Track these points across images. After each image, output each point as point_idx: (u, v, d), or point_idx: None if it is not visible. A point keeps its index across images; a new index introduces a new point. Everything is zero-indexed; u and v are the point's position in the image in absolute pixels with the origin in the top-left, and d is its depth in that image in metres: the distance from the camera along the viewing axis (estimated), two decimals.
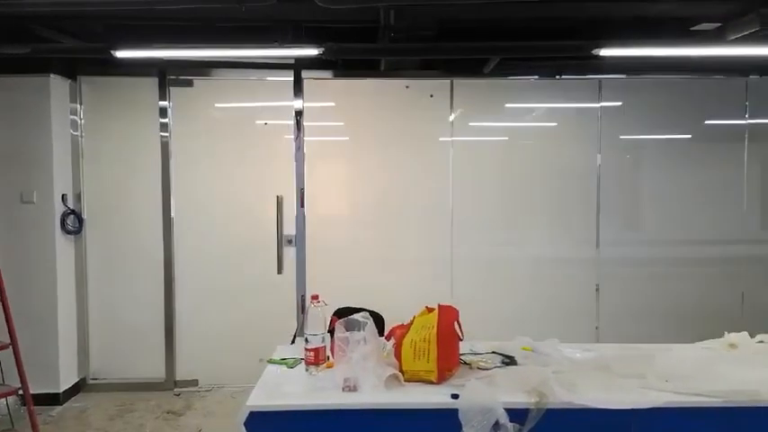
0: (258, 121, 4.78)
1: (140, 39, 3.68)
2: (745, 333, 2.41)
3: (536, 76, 4.75)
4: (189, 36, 3.82)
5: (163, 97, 4.67)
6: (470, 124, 4.81)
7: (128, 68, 4.46)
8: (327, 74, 4.70)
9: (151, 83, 4.66)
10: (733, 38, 3.30)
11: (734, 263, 4.86)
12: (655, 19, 3.65)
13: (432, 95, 4.73)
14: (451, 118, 4.73)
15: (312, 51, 3.36)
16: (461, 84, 4.71)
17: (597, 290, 4.82)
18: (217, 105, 4.79)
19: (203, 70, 4.70)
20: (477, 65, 4.51)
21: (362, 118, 4.80)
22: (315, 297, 2.19)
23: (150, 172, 4.69)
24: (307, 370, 2.15)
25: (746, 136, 4.83)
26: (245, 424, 1.84)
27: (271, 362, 2.31)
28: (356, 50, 3.84)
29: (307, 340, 2.15)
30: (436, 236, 4.76)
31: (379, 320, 2.91)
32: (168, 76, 4.66)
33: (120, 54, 3.56)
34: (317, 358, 2.14)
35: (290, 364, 2.28)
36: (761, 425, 1.84)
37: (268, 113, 4.78)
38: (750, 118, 4.80)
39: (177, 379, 4.71)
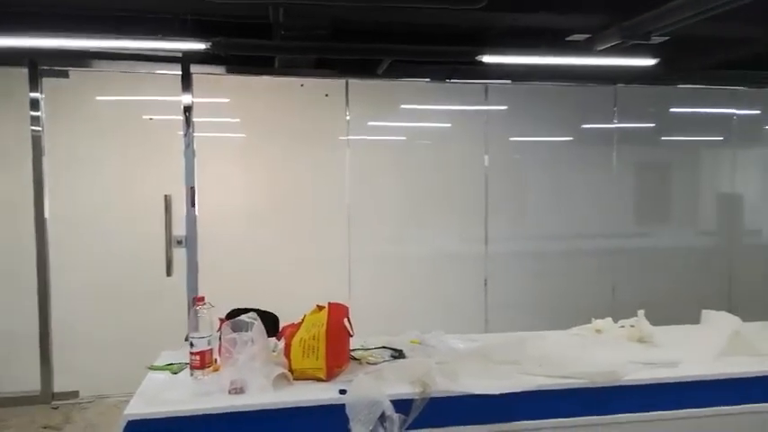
0: (144, 117, 4.54)
1: (7, 25, 3.37)
2: (609, 319, 2.64)
3: (428, 79, 4.91)
4: (64, 24, 3.55)
5: (34, 88, 4.30)
6: (369, 124, 4.88)
7: None
8: (220, 69, 4.56)
9: (22, 73, 4.28)
10: (600, 48, 3.60)
11: (606, 256, 5.31)
12: (533, 29, 3.91)
13: (327, 95, 4.74)
14: (348, 117, 4.77)
15: (199, 45, 3.26)
16: (356, 84, 4.77)
17: (485, 284, 5.07)
18: (98, 98, 4.49)
19: (81, 61, 4.38)
20: (370, 66, 4.58)
21: (258, 115, 4.71)
22: (200, 299, 2.13)
23: (21, 169, 4.31)
24: (192, 375, 2.08)
25: (615, 139, 5.30)
26: None
27: (153, 368, 2.22)
28: (245, 46, 3.76)
29: (191, 344, 2.08)
30: (333, 235, 4.78)
31: (273, 321, 2.88)
32: (40, 66, 4.30)
33: None
34: (202, 362, 2.07)
35: (174, 369, 2.20)
36: (620, 401, 2.03)
37: (156, 108, 4.56)
38: (618, 123, 5.27)
39: (55, 391, 4.37)
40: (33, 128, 4.32)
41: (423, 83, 4.93)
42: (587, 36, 3.80)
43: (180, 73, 4.43)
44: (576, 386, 2.00)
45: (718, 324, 2.39)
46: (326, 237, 4.78)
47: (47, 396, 4.33)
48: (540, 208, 5.23)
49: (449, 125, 5.09)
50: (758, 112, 5.61)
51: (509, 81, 5.03)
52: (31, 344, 4.34)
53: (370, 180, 4.85)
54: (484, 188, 5.05)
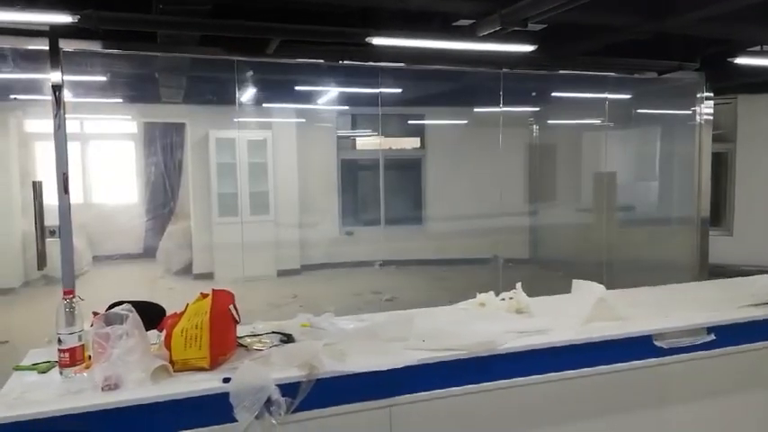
0: (10, 96, 4.14)
1: None
2: (492, 292, 2.78)
3: (321, 60, 4.85)
4: None
5: None
6: (264, 105, 4.77)
7: None
8: (94, 45, 4.22)
9: None
10: (482, 34, 3.73)
11: (494, 232, 5.58)
12: (421, 13, 3.97)
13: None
14: (240, 98, 4.62)
15: (66, 18, 2.99)
16: (246, 63, 4.61)
17: (381, 265, 5.16)
18: None
19: None
20: (260, 45, 4.45)
21: (143, 93, 4.44)
22: (68, 292, 1.99)
23: None
24: (61, 373, 1.94)
25: (501, 122, 5.55)
26: None
27: (18, 369, 2.05)
28: (118, 20, 3.50)
29: (59, 341, 1.94)
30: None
31: (159, 313, 2.75)
32: None
33: None
34: (72, 359, 1.94)
35: (41, 369, 2.04)
36: (497, 369, 2.15)
37: (22, 87, 4.16)
38: (504, 106, 5.52)
39: None
40: None
41: (315, 64, 4.86)
42: (471, 21, 3.91)
43: (47, 48, 4.05)
44: (456, 357, 2.09)
45: (586, 292, 2.58)
46: (218, 223, 4.63)
47: None
48: (437, 189, 5.39)
49: (347, 107, 5.09)
50: (628, 96, 6.09)
51: (402, 64, 5.09)
52: None
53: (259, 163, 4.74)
54: (381, 171, 5.11)
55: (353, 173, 7.34)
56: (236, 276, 5.22)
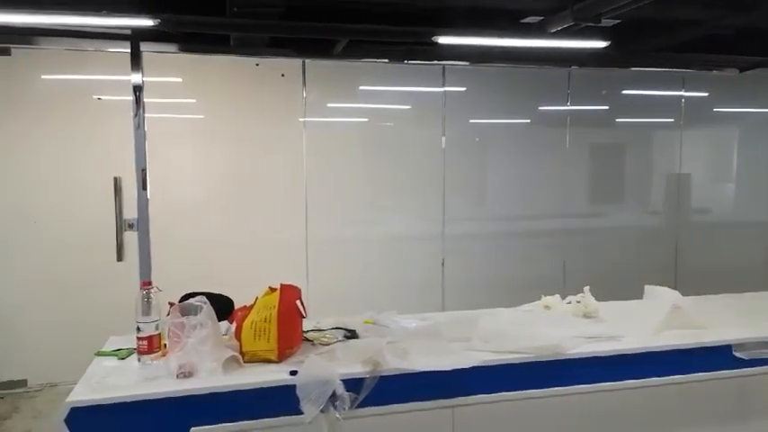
0: (94, 96, 4.39)
1: None
2: (558, 295, 2.71)
3: (386, 60, 4.88)
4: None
5: None
6: (328, 105, 4.84)
7: None
8: (171, 47, 4.41)
9: None
10: (552, 31, 3.64)
11: (559, 234, 5.43)
12: (489, 11, 3.92)
13: (283, 75, 4.66)
14: (305, 98, 4.71)
15: (146, 22, 3.14)
16: (314, 64, 4.70)
17: (443, 264, 5.13)
18: (43, 77, 4.31)
19: (24, 38, 4.18)
20: (327, 45, 4.52)
21: (214, 95, 4.61)
22: (147, 283, 2.10)
23: None
24: (139, 360, 2.05)
25: (568, 121, 5.40)
26: (66, 421, 1.72)
27: (100, 354, 2.18)
28: (195, 23, 3.64)
29: (138, 329, 2.05)
30: (291, 217, 4.74)
31: (227, 304, 2.85)
32: None
33: None
34: (150, 347, 2.05)
35: (121, 355, 2.16)
36: (563, 374, 2.10)
37: (104, 88, 4.41)
38: (571, 105, 5.37)
39: (1, 380, 4.24)
40: None
41: (379, 64, 4.90)
42: (541, 18, 3.83)
43: (129, 51, 4.28)
44: (521, 360, 2.06)
45: (660, 299, 2.48)
46: (283, 219, 4.74)
47: None
48: (496, 189, 5.31)
49: (408, 107, 5.09)
50: (706, 94, 5.79)
51: (467, 63, 5.05)
52: None
53: (328, 162, 4.82)
54: (442, 170, 5.08)
55: None
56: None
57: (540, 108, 5.40)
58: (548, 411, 2.08)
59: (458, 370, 1.97)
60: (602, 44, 3.82)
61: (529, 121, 5.39)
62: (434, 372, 1.95)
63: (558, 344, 2.08)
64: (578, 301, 2.57)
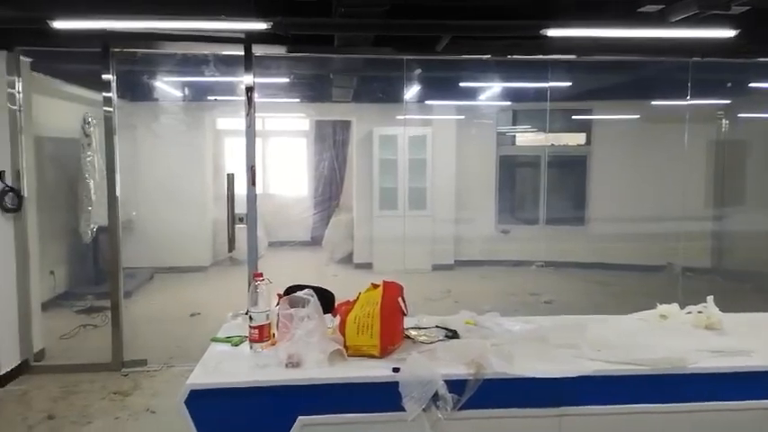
0: (208, 97, 4.67)
1: (80, 8, 3.52)
2: (676, 304, 2.52)
3: (488, 56, 4.79)
4: (133, 6, 3.67)
5: (106, 70, 4.49)
6: (426, 102, 4.84)
7: (68, 40, 4.27)
8: (280, 49, 4.61)
9: (94, 55, 4.47)
10: (674, 20, 3.39)
11: (675, 239, 5.07)
12: (600, 1, 3.72)
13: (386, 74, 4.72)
14: (406, 96, 4.74)
15: (261, 25, 3.29)
16: (414, 61, 4.71)
17: (543, 266, 4.96)
18: (164, 79, 4.65)
19: (149, 43, 4.53)
20: (429, 43, 4.51)
21: (317, 94, 4.75)
22: (258, 275, 2.18)
23: (93, 147, 4.53)
24: (251, 348, 2.15)
25: (687, 117, 5.01)
26: (186, 402, 1.83)
27: (215, 340, 2.30)
28: (305, 25, 3.77)
29: (251, 318, 2.14)
30: (390, 217, 4.78)
31: (329, 298, 2.92)
32: (111, 48, 4.48)
33: (59, 25, 3.40)
34: (261, 336, 2.13)
35: (234, 342, 2.27)
36: (684, 390, 1.94)
37: (218, 89, 4.68)
38: (691, 99, 4.98)
39: (125, 359, 4.63)
40: (105, 108, 4.52)
41: (481, 59, 4.81)
42: (660, 7, 3.57)
43: (242, 53, 4.51)
44: (637, 372, 1.93)
45: None
46: (378, 216, 4.80)
47: (117, 364, 4.59)
48: (602, 188, 5.05)
49: (508, 103, 4.97)
50: None
51: (573, 56, 4.84)
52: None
53: (427, 158, 4.81)
54: (544, 168, 4.91)
55: (512, 170, 7.15)
56: (393, 268, 5.37)
57: (654, 103, 5.06)
58: (666, 429, 1.94)
59: (567, 378, 1.88)
60: (730, 33, 3.50)
61: (638, 116, 5.07)
62: (542, 378, 1.88)
63: (681, 357, 1.93)
64: (700, 312, 2.37)
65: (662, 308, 2.51)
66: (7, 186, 4.31)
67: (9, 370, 4.36)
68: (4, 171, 4.29)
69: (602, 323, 2.34)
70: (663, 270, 5.11)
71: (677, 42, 4.30)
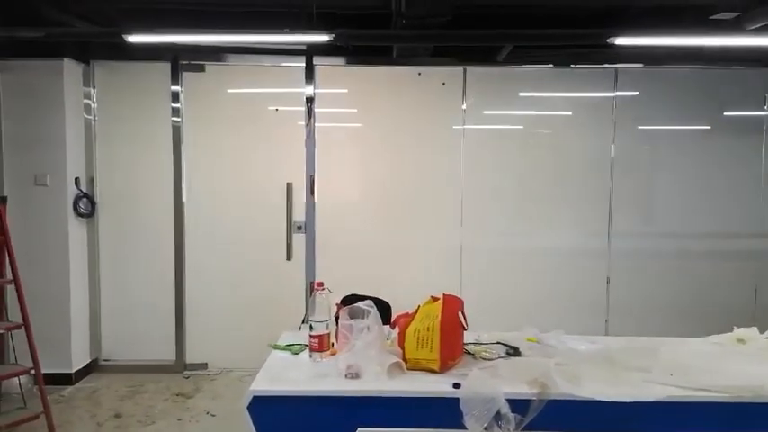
0: (270, 108, 4.77)
1: (153, 23, 3.69)
2: (755, 328, 2.38)
3: (550, 65, 4.69)
4: (201, 21, 3.82)
5: (175, 82, 4.68)
6: (484, 113, 4.77)
7: (140, 53, 4.49)
8: (340, 60, 4.67)
9: (164, 67, 4.67)
10: (751, 28, 3.22)
11: (749, 257, 4.80)
12: (673, 8, 3.58)
13: (444, 83, 4.69)
14: (464, 106, 4.70)
15: (323, 37, 3.34)
16: (474, 72, 4.67)
17: (608, 282, 4.78)
18: (229, 91, 4.79)
19: (216, 55, 4.70)
20: (490, 53, 4.46)
21: (375, 105, 4.77)
22: (319, 284, 2.19)
23: (162, 157, 4.71)
24: (311, 356, 2.16)
25: (765, 128, 4.74)
26: (249, 408, 1.86)
27: (276, 348, 2.33)
28: (367, 37, 3.81)
29: (311, 327, 2.16)
30: (447, 225, 4.74)
31: (386, 309, 2.92)
32: (180, 60, 4.66)
33: (133, 39, 3.57)
34: (320, 345, 2.15)
35: (294, 350, 2.29)
36: (765, 420, 1.82)
37: (280, 99, 4.78)
38: None
39: (187, 362, 4.77)
40: (173, 119, 4.71)
41: (543, 69, 4.72)
42: (736, 14, 3.41)
43: (303, 65, 4.60)
44: (714, 400, 1.82)
45: None
46: (439, 227, 4.76)
47: (180, 366, 4.75)
48: (671, 203, 4.82)
49: (569, 113, 4.83)
50: None
51: (641, 65, 4.68)
52: (168, 319, 4.76)
53: (485, 170, 4.75)
54: (609, 180, 4.75)
55: None
56: None
57: (726, 114, 4.81)
58: None
59: (637, 403, 1.80)
60: None
61: (709, 127, 4.83)
62: (609, 402, 1.80)
63: (763, 384, 1.81)
64: None
65: (739, 331, 2.37)
66: (81, 192, 4.54)
67: (80, 368, 4.57)
68: (78, 178, 4.52)
69: (675, 345, 2.23)
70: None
71: (752, 50, 4.08)
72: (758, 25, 3.20)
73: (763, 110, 4.72)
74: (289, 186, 4.64)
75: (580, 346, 2.27)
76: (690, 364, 2.02)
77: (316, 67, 4.60)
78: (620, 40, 3.30)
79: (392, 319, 2.31)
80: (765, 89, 4.68)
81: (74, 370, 4.49)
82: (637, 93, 4.76)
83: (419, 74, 4.68)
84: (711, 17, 3.68)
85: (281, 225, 4.67)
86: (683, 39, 3.44)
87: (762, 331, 2.38)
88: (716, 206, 4.78)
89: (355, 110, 4.82)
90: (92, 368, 4.73)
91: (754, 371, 1.98)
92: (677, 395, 1.83)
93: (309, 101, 4.58)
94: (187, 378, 4.63)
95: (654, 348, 2.07)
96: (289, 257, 4.64)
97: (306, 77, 4.60)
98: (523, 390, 1.86)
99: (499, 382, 1.91)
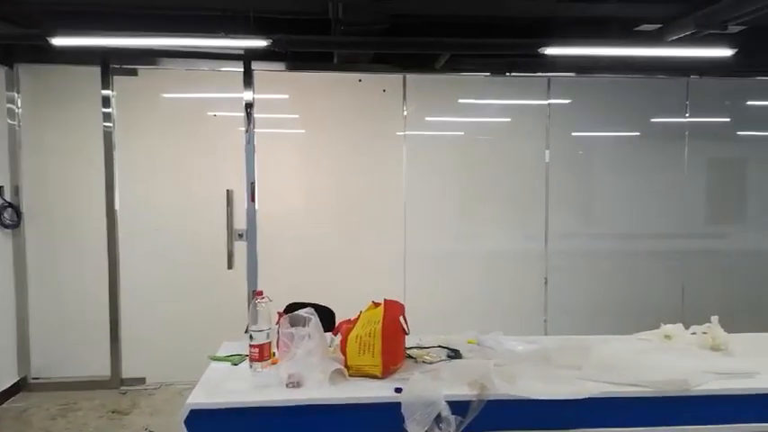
0: (208, 113, 4.67)
1: (80, 26, 3.54)
2: (680, 324, 2.50)
3: (488, 73, 4.81)
4: (134, 23, 3.70)
5: (106, 86, 4.50)
6: (426, 119, 4.84)
7: (68, 56, 4.30)
8: (280, 66, 4.63)
9: (93, 71, 4.48)
10: (672, 39, 3.42)
11: (676, 257, 5.06)
12: (600, 19, 3.75)
13: (384, 90, 4.73)
14: (405, 112, 4.75)
15: (260, 42, 3.30)
16: (414, 79, 4.73)
17: (546, 283, 4.94)
18: (164, 96, 4.66)
19: (149, 59, 4.55)
20: (428, 60, 4.54)
21: (317, 111, 4.75)
22: (259, 293, 2.16)
23: (93, 164, 4.52)
24: (251, 367, 2.12)
25: (687, 134, 5.03)
26: (186, 422, 1.81)
27: (214, 359, 2.28)
28: (304, 42, 3.79)
29: (251, 337, 2.12)
30: (390, 230, 4.77)
31: (329, 316, 2.90)
32: (111, 64, 4.49)
33: (58, 42, 3.42)
34: (261, 355, 2.11)
35: (234, 361, 2.24)
36: (689, 413, 1.92)
37: (218, 105, 4.68)
38: (690, 117, 5.00)
39: (123, 377, 4.58)
40: (105, 124, 4.53)
41: (480, 77, 4.84)
42: (658, 26, 3.61)
43: (242, 70, 4.53)
44: (642, 395, 1.91)
45: None
46: (382, 233, 4.78)
47: (116, 382, 4.55)
48: (604, 205, 5.04)
49: (508, 119, 4.98)
50: None
51: (573, 74, 4.87)
52: (102, 333, 4.56)
53: (427, 176, 4.81)
54: (545, 184, 4.91)
55: None
56: None
57: (653, 120, 5.08)
58: None
59: (570, 400, 1.86)
60: (728, 52, 3.52)
61: (638, 133, 5.08)
62: (546, 400, 1.85)
63: (686, 379, 1.91)
64: (704, 332, 2.35)
65: (666, 328, 2.49)
66: (6, 202, 4.29)
67: (7, 387, 4.31)
68: (2, 187, 4.28)
69: (606, 343, 2.32)
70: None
71: (675, 61, 4.33)
72: (678, 36, 3.40)
73: (685, 117, 5.01)
74: (229, 193, 4.55)
75: (518, 346, 2.32)
76: (621, 361, 2.11)
77: (254, 72, 4.54)
78: (550, 50, 3.43)
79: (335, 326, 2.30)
80: (686, 97, 4.98)
81: (0, 390, 4.23)
82: (569, 100, 4.95)
83: (360, 80, 4.70)
84: (636, 29, 3.88)
85: (222, 233, 4.56)
86: (608, 49, 3.61)
87: (687, 327, 2.51)
88: (645, 208, 5.03)
89: (297, 116, 4.78)
90: (20, 387, 4.46)
91: (679, 365, 2.08)
92: (607, 391, 1.91)
93: (249, 106, 4.51)
94: (124, 394, 4.45)
95: (586, 347, 2.15)
96: (230, 266, 4.54)
97: (245, 83, 4.53)
98: (464, 391, 1.89)
99: (440, 384, 1.93)
